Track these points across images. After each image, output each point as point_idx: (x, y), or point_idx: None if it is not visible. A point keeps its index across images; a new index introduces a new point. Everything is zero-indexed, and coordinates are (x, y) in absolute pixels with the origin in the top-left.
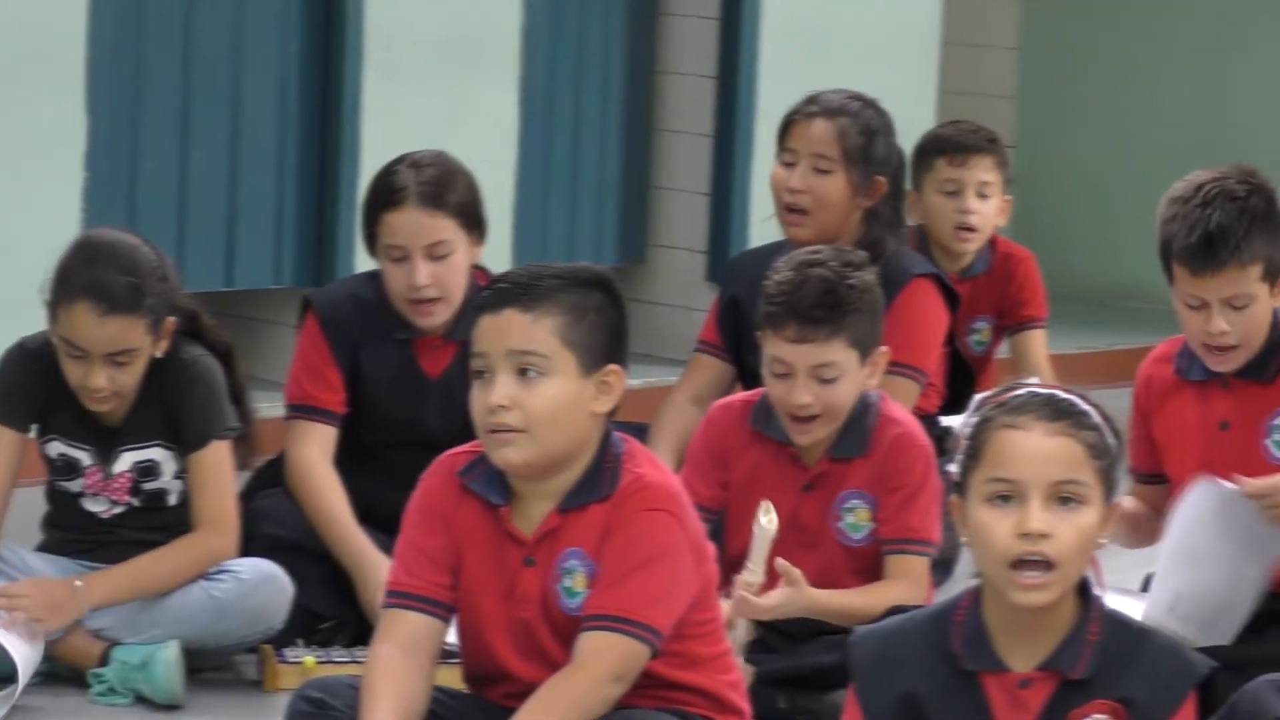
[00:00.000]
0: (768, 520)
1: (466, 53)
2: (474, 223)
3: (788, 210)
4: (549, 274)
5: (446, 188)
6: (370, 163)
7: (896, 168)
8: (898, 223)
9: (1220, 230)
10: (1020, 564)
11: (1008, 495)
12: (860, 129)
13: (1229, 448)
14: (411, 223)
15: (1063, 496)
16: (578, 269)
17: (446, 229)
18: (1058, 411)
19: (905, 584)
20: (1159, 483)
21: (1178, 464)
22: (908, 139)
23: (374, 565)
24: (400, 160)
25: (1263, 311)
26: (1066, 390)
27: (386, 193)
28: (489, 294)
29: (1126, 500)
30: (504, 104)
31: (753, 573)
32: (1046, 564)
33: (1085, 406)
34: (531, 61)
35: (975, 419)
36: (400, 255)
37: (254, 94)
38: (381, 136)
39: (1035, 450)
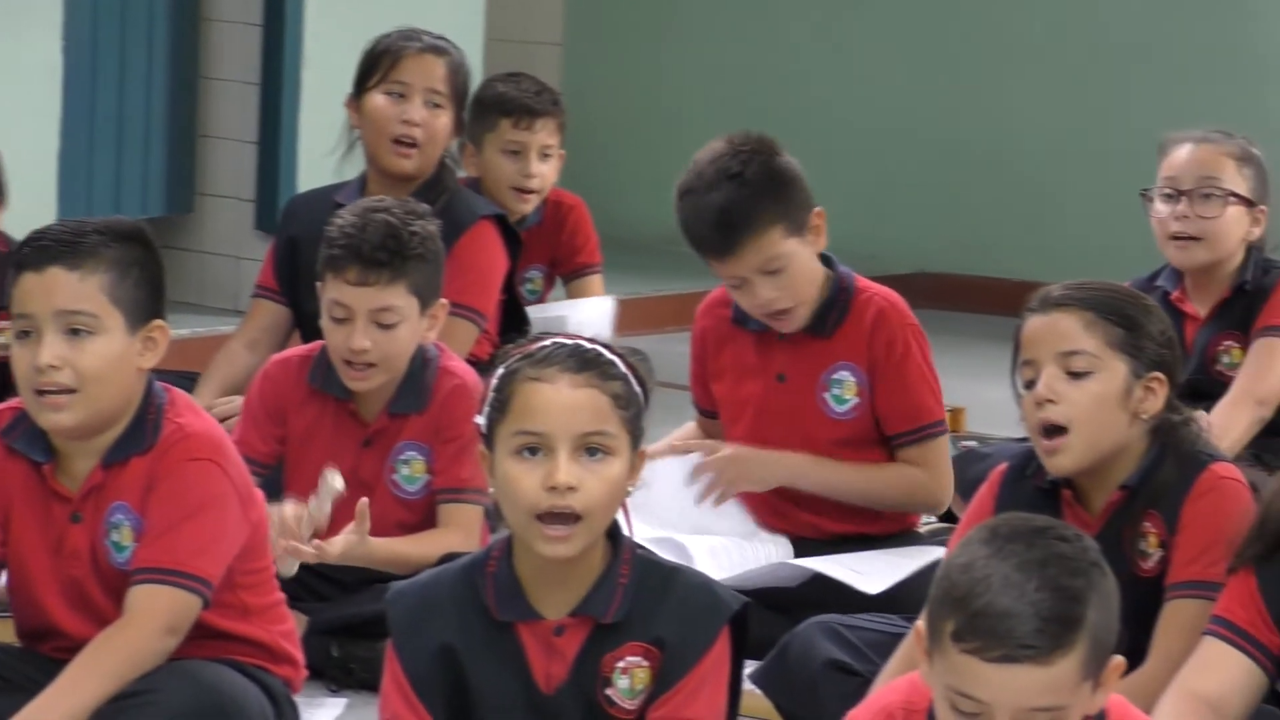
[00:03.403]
0: (333, 477)
1: (8, 0)
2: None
3: (398, 143)
4: (91, 229)
5: None
6: None
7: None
8: (456, 165)
9: (725, 213)
10: (547, 516)
11: (535, 447)
12: (462, 69)
13: (785, 399)
14: None
15: (590, 448)
16: (116, 223)
17: None
18: (583, 362)
19: (458, 532)
20: (718, 418)
21: (735, 412)
22: None
23: None
24: None
25: (803, 266)
26: (591, 340)
27: None
28: (30, 251)
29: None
30: (47, 52)
31: (316, 517)
32: (573, 516)
33: (610, 356)
34: (75, 9)
35: (501, 371)
36: None
37: None
38: None
39: (561, 402)
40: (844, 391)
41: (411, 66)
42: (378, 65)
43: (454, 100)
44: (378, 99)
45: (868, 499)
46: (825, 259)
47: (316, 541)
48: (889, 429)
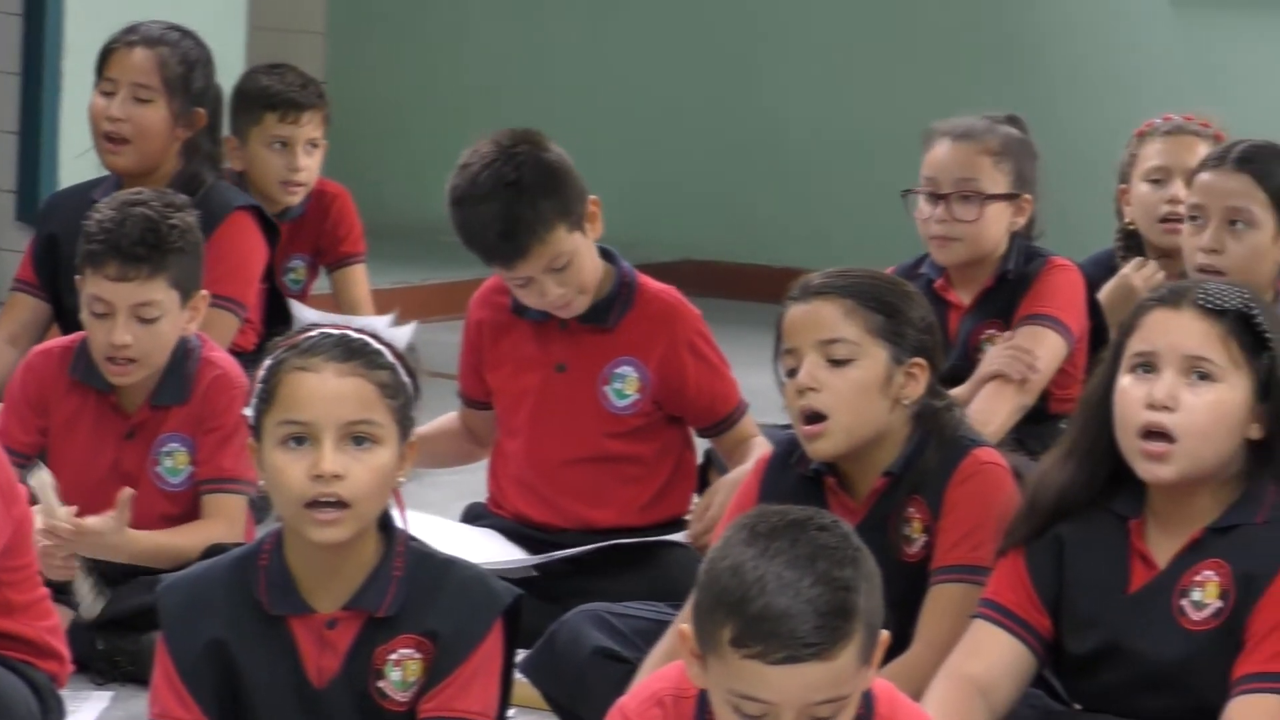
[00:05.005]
0: (38, 482)
1: None
2: None
3: (107, 140)
4: None
5: None
6: None
7: (215, 102)
8: (216, 157)
9: (509, 221)
10: (314, 504)
11: (301, 436)
12: (180, 59)
13: (564, 390)
14: None
15: (356, 436)
16: None
17: None
18: (349, 352)
19: (222, 523)
20: (487, 409)
21: (512, 401)
22: (219, 76)
23: None
24: None
25: (586, 257)
26: (359, 330)
27: None
28: None
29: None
30: None
31: (54, 519)
32: (341, 504)
33: (377, 346)
34: None
35: (268, 361)
36: None
37: None
38: None
39: (326, 391)
40: (625, 386)
41: (117, 62)
42: (100, 62)
43: (169, 90)
44: (95, 96)
45: None
46: (606, 253)
47: (72, 516)
48: (699, 424)
